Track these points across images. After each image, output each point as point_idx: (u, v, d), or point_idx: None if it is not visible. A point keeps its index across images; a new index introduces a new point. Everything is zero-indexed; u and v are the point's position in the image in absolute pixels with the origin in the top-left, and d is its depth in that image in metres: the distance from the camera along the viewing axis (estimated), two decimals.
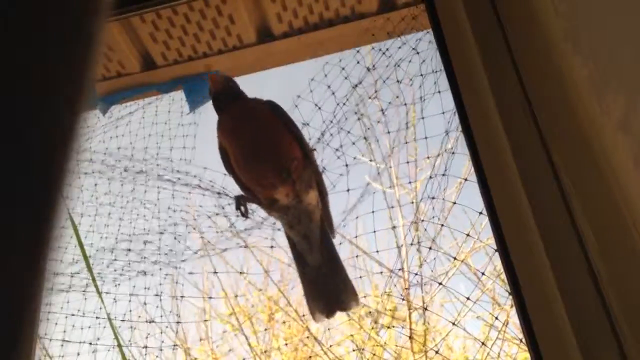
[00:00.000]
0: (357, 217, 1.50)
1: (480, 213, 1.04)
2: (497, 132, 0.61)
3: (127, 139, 1.61)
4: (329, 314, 1.26)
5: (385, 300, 2.62)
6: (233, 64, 1.65)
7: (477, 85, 0.72)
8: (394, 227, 1.63)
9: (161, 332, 1.63)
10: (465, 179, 1.08)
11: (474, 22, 0.78)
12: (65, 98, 0.19)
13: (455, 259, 1.91)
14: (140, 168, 1.50)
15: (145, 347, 1.63)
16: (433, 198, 1.20)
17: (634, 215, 0.42)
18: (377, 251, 1.52)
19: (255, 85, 1.69)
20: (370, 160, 1.56)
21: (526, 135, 0.57)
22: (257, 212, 1.45)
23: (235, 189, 1.32)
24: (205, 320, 2.74)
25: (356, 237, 1.50)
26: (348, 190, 1.41)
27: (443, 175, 1.17)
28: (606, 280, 0.50)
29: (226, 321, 2.98)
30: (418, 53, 1.30)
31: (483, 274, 1.80)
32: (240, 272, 2.18)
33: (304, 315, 2.75)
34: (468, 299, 1.44)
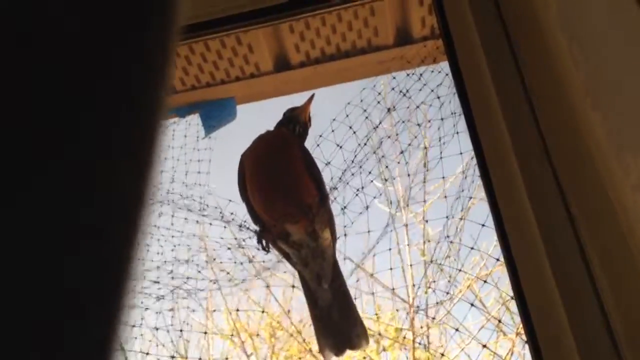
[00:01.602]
0: (374, 255, 1.52)
1: (497, 259, 1.05)
2: (515, 180, 0.63)
3: None
4: (339, 352, 1.27)
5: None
6: (250, 92, 1.68)
7: (495, 132, 0.73)
8: (411, 265, 1.64)
9: (160, 345, 1.63)
10: (483, 225, 1.09)
11: (493, 69, 0.80)
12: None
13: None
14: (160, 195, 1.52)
15: (147, 353, 1.63)
16: (450, 240, 1.22)
17: None
18: (393, 289, 1.52)
19: (273, 112, 1.72)
20: (390, 203, 1.58)
21: (544, 186, 0.59)
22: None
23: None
24: (205, 333, 2.71)
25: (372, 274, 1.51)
26: (369, 231, 1.43)
27: (460, 219, 1.19)
28: (621, 333, 0.51)
29: (227, 337, 2.98)
30: (438, 98, 1.32)
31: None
32: (263, 311, 2.19)
33: (304, 340, 2.75)
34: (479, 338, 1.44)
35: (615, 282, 0.51)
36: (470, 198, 1.16)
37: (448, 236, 1.20)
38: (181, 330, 1.51)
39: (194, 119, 1.68)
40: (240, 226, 1.42)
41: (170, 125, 1.68)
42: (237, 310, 2.63)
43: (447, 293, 1.39)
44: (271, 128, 1.56)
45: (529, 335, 0.58)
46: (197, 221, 1.50)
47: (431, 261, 1.28)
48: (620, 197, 0.47)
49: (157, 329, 1.50)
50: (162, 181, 1.55)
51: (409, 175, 1.43)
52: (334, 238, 1.31)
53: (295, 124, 1.42)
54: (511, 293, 0.65)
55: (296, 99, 1.82)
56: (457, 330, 1.53)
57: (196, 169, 1.62)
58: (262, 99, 1.78)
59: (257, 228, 1.32)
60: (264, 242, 1.27)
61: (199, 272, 1.50)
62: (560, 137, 0.61)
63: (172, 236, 1.48)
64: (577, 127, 0.57)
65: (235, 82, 1.66)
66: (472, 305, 1.44)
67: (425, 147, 1.39)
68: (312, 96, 1.45)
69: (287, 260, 1.33)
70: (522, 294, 0.57)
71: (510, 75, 0.75)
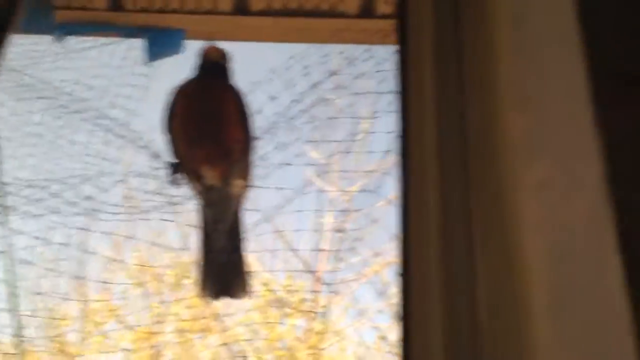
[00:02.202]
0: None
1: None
2: (430, 170, 0.64)
3: (74, 74, 1.56)
4: (215, 296, 1.30)
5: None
6: (203, 29, 1.62)
7: (423, 119, 0.74)
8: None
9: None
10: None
11: (438, 57, 0.80)
12: None
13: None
14: (80, 107, 1.46)
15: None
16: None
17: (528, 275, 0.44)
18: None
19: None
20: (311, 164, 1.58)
21: (455, 181, 0.60)
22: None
23: None
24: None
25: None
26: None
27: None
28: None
29: (132, 276, 2.93)
30: (384, 79, 1.32)
31: None
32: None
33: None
34: None
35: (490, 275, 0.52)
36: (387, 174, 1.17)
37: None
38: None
39: (138, 43, 1.60)
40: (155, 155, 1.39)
41: (110, 44, 1.61)
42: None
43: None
44: None
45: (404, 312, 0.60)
46: (108, 141, 1.45)
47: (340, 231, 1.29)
48: (517, 197, 0.48)
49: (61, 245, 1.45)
50: (90, 98, 1.49)
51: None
52: (246, 187, 1.30)
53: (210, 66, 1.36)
54: None
55: (248, 47, 1.78)
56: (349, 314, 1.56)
57: (129, 93, 1.56)
58: (213, 39, 1.72)
59: (172, 160, 1.28)
60: (177, 175, 1.24)
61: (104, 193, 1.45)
62: (479, 133, 0.61)
63: (87, 154, 1.43)
64: (495, 124, 0.57)
65: (189, 15, 1.59)
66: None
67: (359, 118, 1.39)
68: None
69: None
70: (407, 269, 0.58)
71: (450, 64, 0.76)
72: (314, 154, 1.67)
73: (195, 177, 1.25)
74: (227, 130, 1.22)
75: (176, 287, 2.99)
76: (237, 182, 1.26)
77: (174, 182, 1.26)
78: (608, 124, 0.43)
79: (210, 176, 1.23)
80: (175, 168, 1.25)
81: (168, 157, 1.31)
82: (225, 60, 1.39)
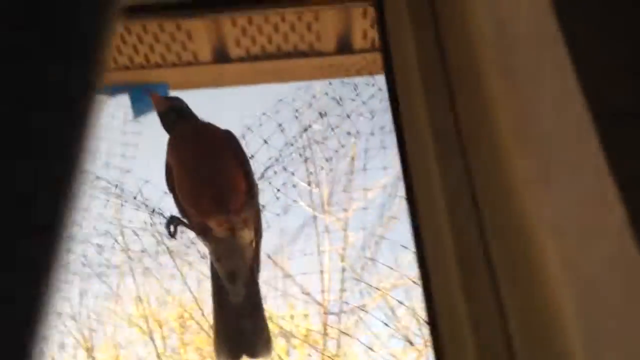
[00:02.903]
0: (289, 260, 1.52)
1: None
2: (437, 204, 0.65)
3: None
4: (235, 357, 1.22)
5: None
6: (184, 79, 1.64)
7: (423, 154, 0.76)
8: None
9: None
10: (406, 247, 1.12)
11: (427, 90, 0.83)
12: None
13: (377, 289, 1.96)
14: None
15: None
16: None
17: (559, 314, 0.46)
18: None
19: (208, 102, 1.69)
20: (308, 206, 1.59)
21: (465, 218, 0.61)
22: (187, 233, 1.44)
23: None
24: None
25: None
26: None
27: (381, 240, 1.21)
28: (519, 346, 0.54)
29: (135, 324, 2.90)
30: (373, 117, 1.35)
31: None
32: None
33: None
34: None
35: (520, 306, 0.54)
36: (395, 218, 1.19)
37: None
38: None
39: (123, 100, 1.62)
40: (153, 211, 1.39)
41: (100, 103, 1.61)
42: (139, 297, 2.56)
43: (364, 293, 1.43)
44: (204, 118, 1.52)
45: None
46: (108, 201, 1.45)
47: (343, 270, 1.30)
48: (534, 238, 0.50)
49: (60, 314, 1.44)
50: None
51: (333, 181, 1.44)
52: (257, 236, 1.29)
53: (171, 116, 1.36)
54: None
55: (232, 92, 1.80)
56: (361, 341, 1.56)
57: (121, 151, 1.57)
58: (196, 88, 1.74)
59: (170, 213, 1.28)
60: (171, 227, 1.23)
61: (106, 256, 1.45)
62: (485, 173, 0.63)
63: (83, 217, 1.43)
64: (500, 165, 0.59)
65: (170, 68, 1.61)
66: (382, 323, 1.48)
67: (352, 158, 1.42)
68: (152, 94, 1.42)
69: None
70: (434, 317, 0.59)
71: (442, 99, 0.78)
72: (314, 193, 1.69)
73: (203, 231, 1.24)
74: (226, 180, 1.23)
75: (182, 332, 2.97)
76: (245, 233, 1.25)
77: (170, 234, 1.25)
78: (619, 163, 0.44)
79: (216, 224, 1.23)
80: (171, 220, 1.25)
81: (166, 212, 1.32)
82: (177, 103, 1.40)
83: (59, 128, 0.20)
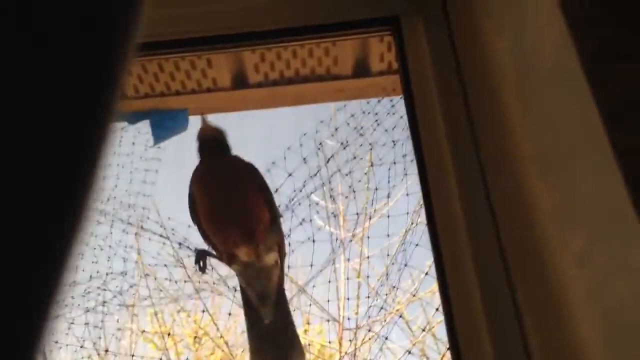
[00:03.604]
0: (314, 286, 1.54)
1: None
2: (459, 236, 0.66)
3: None
4: None
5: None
6: (204, 105, 1.67)
7: (444, 181, 0.76)
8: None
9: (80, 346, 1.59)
10: (426, 273, 1.13)
11: (447, 118, 0.83)
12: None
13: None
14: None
15: None
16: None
17: (584, 348, 0.46)
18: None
19: (227, 126, 1.71)
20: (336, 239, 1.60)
21: (488, 248, 0.62)
22: (217, 268, 1.47)
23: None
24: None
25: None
26: (311, 265, 1.45)
27: (406, 266, 1.22)
28: None
29: (150, 340, 2.91)
30: (393, 142, 1.37)
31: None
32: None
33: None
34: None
35: (545, 343, 0.53)
36: (417, 245, 1.20)
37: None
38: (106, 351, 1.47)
39: (144, 127, 1.65)
40: (180, 244, 1.41)
41: (118, 131, 1.65)
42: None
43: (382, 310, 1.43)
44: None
45: None
46: (136, 233, 1.48)
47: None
48: (558, 270, 0.50)
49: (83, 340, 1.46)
50: (105, 187, 1.52)
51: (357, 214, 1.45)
52: (282, 257, 1.32)
53: (209, 145, 1.39)
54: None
55: (252, 116, 1.82)
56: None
57: (142, 178, 1.59)
58: (216, 112, 1.77)
59: (196, 247, 1.31)
60: (201, 262, 1.26)
61: (131, 286, 1.47)
62: (506, 198, 0.64)
63: (109, 246, 1.45)
64: (522, 194, 0.59)
65: (190, 95, 1.64)
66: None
67: (376, 188, 1.43)
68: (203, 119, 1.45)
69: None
70: (458, 348, 0.59)
71: (462, 128, 0.78)
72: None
73: (229, 258, 1.27)
74: (249, 212, 1.25)
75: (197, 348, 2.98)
76: (270, 257, 1.27)
77: (200, 270, 1.27)
78: None
79: (244, 254, 1.25)
80: (199, 254, 1.27)
81: (190, 244, 1.33)
82: (221, 136, 1.43)
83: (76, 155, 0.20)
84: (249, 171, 1.32)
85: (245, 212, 1.25)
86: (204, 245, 1.32)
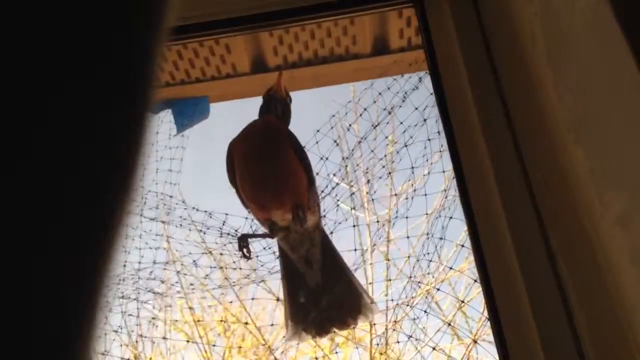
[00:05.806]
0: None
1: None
2: (494, 208, 0.65)
3: None
4: (325, 332, 1.27)
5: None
6: (224, 91, 1.67)
7: (476, 155, 0.75)
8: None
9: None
10: (462, 245, 1.12)
11: (476, 94, 0.82)
12: None
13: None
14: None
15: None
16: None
17: (627, 313, 0.45)
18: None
19: (247, 111, 1.72)
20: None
21: (524, 217, 0.61)
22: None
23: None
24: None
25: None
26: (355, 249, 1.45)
27: (440, 238, 1.22)
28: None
29: (180, 329, 2.95)
30: (425, 120, 1.35)
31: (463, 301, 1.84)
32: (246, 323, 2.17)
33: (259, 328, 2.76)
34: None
35: (591, 321, 0.53)
36: (451, 218, 1.19)
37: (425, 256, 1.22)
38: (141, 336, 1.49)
39: (166, 116, 1.66)
40: (220, 232, 1.42)
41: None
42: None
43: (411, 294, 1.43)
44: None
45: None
46: (163, 222, 1.49)
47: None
48: (599, 231, 0.49)
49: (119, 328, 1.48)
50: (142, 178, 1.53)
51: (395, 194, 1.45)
52: (319, 218, 1.32)
53: (276, 103, 1.39)
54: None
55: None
56: (409, 337, 1.56)
57: (167, 167, 1.60)
58: (236, 99, 1.77)
59: (236, 233, 1.31)
60: (244, 249, 1.26)
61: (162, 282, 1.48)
62: (541, 166, 0.63)
63: (140, 236, 1.47)
64: (558, 160, 0.58)
65: (210, 82, 1.64)
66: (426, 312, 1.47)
67: (412, 167, 1.42)
68: (281, 73, 1.43)
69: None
70: (498, 322, 0.59)
71: (493, 101, 0.77)
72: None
73: (271, 226, 1.26)
74: (291, 176, 1.24)
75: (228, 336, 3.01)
76: (311, 220, 1.27)
77: (244, 256, 1.27)
78: None
79: (281, 220, 1.25)
80: (241, 242, 1.27)
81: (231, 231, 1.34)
82: (285, 101, 1.42)
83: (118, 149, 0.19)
84: (286, 135, 1.31)
85: (288, 174, 1.24)
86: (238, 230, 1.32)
